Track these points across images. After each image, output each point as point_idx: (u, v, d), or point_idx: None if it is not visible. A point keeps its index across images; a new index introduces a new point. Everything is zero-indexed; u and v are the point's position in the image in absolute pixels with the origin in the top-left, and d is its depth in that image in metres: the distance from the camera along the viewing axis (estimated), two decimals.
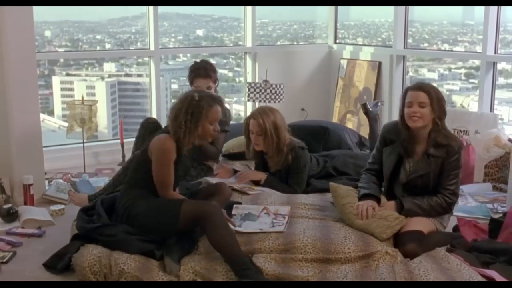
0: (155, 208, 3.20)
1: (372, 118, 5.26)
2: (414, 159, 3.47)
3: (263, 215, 3.37)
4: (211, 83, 4.51)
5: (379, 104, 5.44)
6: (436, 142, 3.40)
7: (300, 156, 4.00)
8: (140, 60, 6.50)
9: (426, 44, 6.53)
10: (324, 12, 6.93)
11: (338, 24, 6.92)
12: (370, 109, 5.29)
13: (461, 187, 4.44)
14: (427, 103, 3.36)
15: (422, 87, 3.41)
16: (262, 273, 2.94)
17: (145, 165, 3.30)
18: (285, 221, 3.29)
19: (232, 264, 2.96)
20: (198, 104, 3.28)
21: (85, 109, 5.04)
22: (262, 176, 4.04)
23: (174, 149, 3.27)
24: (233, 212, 3.43)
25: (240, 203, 3.58)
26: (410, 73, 6.42)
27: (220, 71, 7.16)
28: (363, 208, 3.37)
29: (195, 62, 4.65)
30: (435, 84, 3.64)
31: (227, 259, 2.99)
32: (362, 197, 3.49)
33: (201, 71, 4.49)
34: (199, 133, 3.30)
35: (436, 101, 3.37)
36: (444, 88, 6.29)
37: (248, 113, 4.52)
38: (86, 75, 6.48)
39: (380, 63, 6.17)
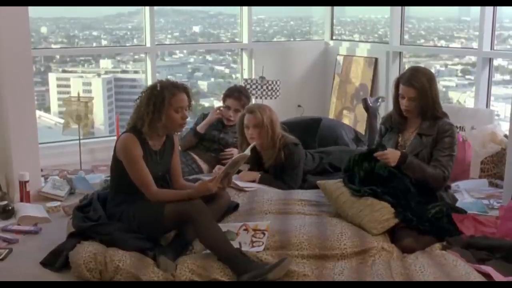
0: (138, 214, 3.17)
1: (372, 113, 5.26)
2: (409, 138, 3.59)
3: (242, 232, 3.24)
4: (239, 107, 4.64)
5: (379, 100, 5.43)
6: (427, 122, 3.54)
7: (294, 152, 4.00)
8: (136, 56, 6.48)
9: (422, 41, 6.53)
10: (320, 9, 6.92)
11: (334, 21, 6.91)
12: (371, 104, 5.29)
13: (457, 183, 4.47)
14: (417, 98, 3.49)
15: (412, 83, 3.49)
16: (253, 260, 2.96)
17: (118, 165, 3.26)
18: (264, 238, 3.17)
19: (224, 260, 2.95)
20: (160, 94, 3.20)
21: (81, 106, 5.04)
22: (255, 175, 4.03)
23: (136, 144, 3.19)
24: None
25: (238, 204, 3.55)
26: None
27: (216, 67, 7.16)
28: None
29: (234, 85, 5.04)
30: None
31: (219, 256, 2.98)
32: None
33: (234, 92, 4.73)
34: (163, 123, 3.21)
35: (425, 93, 3.47)
36: (440, 85, 6.28)
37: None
38: (82, 72, 6.47)
39: (376, 59, 6.16)
